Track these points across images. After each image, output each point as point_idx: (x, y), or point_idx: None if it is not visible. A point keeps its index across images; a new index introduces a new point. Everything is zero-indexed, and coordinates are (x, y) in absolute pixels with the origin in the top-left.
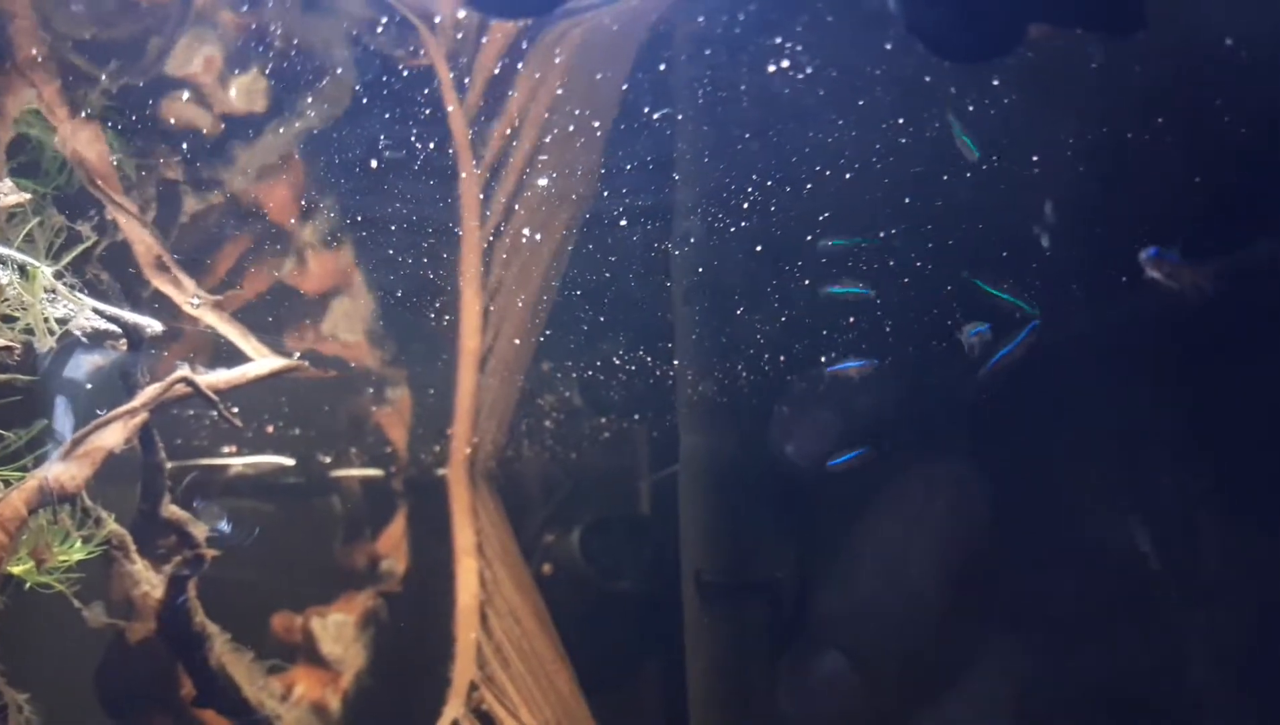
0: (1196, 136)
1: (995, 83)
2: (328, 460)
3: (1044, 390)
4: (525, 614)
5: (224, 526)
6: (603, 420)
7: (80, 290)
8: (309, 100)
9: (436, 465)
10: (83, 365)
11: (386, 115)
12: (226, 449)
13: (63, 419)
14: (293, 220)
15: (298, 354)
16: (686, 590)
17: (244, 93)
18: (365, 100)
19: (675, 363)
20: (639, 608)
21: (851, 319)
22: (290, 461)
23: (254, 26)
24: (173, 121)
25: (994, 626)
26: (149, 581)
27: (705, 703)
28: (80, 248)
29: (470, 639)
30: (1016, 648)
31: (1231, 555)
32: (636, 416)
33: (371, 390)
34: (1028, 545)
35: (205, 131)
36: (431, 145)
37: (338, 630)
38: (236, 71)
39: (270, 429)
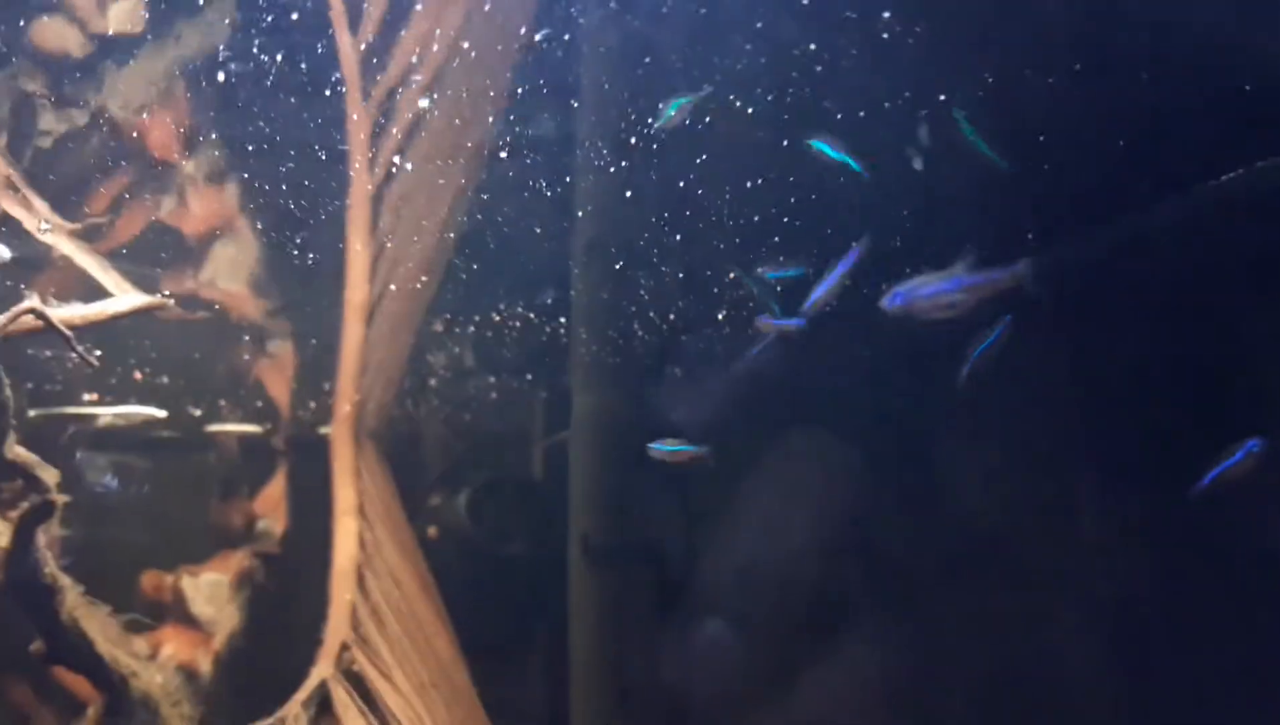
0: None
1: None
2: (202, 413)
3: (914, 363)
4: (406, 576)
5: (109, 481)
6: (494, 379)
7: None
8: (188, 24)
9: (319, 423)
10: None
11: (272, 45)
12: (88, 397)
13: None
14: (171, 153)
15: (169, 295)
16: (573, 553)
17: (118, 14)
18: (250, 28)
19: (570, 321)
20: (526, 570)
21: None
22: (161, 413)
23: None
24: (37, 40)
25: (873, 593)
26: None
27: (585, 664)
28: None
29: (345, 600)
30: (893, 615)
31: (1108, 531)
32: (529, 376)
33: (252, 341)
34: (904, 514)
35: (74, 53)
36: (320, 80)
37: (211, 590)
38: None
39: (138, 375)
